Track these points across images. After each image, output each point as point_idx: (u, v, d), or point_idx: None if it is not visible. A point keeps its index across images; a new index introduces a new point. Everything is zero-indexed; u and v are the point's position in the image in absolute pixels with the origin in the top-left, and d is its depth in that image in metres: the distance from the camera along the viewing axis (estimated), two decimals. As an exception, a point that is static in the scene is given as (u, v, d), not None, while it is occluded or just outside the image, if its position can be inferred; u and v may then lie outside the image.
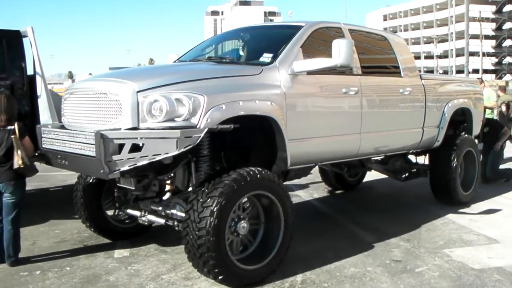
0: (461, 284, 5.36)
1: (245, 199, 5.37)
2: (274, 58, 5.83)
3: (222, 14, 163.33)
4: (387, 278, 5.51)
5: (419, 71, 8.31)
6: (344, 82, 6.41)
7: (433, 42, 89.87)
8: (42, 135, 5.77)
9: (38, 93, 8.13)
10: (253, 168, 5.19)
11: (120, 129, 4.90)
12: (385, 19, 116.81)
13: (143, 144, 4.77)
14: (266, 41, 6.75)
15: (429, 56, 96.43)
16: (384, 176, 9.47)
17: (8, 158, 5.75)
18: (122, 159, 4.80)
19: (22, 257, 6.08)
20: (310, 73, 5.90)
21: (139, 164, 4.80)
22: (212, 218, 4.81)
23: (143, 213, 6.05)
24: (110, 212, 6.80)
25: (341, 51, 5.53)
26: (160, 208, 5.93)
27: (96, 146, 4.76)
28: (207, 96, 4.90)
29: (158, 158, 4.80)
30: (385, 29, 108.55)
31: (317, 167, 9.11)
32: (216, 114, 4.95)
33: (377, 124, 6.92)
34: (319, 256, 6.16)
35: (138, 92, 4.91)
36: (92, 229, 6.79)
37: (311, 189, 10.34)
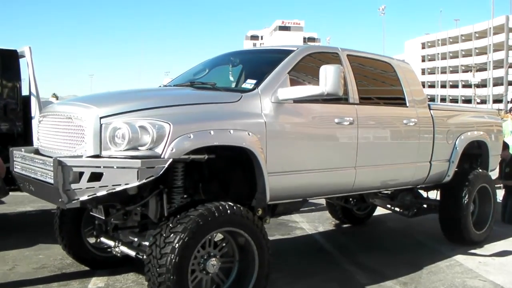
0: None
1: (219, 235, 5.02)
2: (257, 85, 5.46)
3: (261, 38, 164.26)
4: (371, 328, 4.99)
5: (445, 100, 7.84)
6: (338, 112, 5.99)
7: (471, 71, 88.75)
8: (14, 159, 5.51)
9: (32, 114, 7.94)
10: (223, 203, 4.80)
11: (82, 156, 4.59)
12: (423, 47, 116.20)
13: (103, 174, 4.41)
14: (254, 67, 6.41)
15: (467, 85, 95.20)
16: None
17: None
18: (81, 188, 4.48)
19: (-6, 284, 5.77)
20: (297, 101, 5.50)
21: (98, 194, 4.47)
22: (173, 255, 4.44)
23: (116, 243, 5.69)
24: (92, 240, 6.47)
25: (329, 78, 5.15)
26: (136, 239, 5.58)
27: (54, 174, 4.46)
28: (173, 125, 4.54)
29: (118, 188, 4.46)
30: (423, 57, 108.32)
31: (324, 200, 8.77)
32: (183, 144, 4.59)
33: (376, 157, 6.47)
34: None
35: (101, 117, 4.60)
36: (71, 256, 6.50)
37: (317, 222, 9.88)
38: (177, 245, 4.45)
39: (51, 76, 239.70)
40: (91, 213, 5.76)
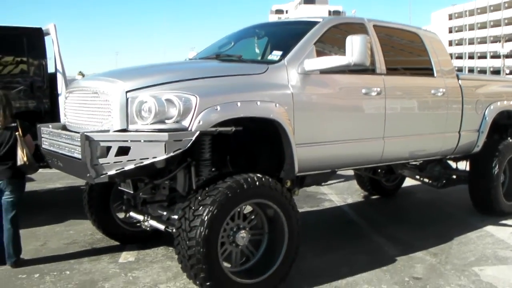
0: (484, 310, 4.75)
1: (248, 208, 5.03)
2: (283, 56, 5.40)
3: (286, 12, 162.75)
4: (401, 298, 4.97)
5: (474, 71, 7.68)
6: (365, 82, 5.92)
7: (500, 41, 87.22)
8: (42, 135, 5.55)
9: (59, 92, 7.98)
10: (251, 175, 4.78)
11: (109, 130, 4.60)
12: (450, 18, 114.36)
13: (130, 148, 4.42)
14: (279, 38, 6.33)
15: (495, 56, 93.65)
16: (427, 180, 8.86)
17: (11, 156, 5.60)
18: (108, 163, 4.49)
19: (28, 259, 5.92)
20: (323, 72, 5.44)
21: (126, 168, 4.48)
22: (202, 227, 4.43)
23: (145, 217, 5.72)
24: (121, 215, 6.52)
25: (355, 48, 5.07)
26: (165, 213, 5.60)
27: (82, 149, 4.47)
28: (200, 97, 4.52)
29: (146, 162, 4.46)
30: (450, 28, 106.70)
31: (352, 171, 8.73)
32: (210, 116, 4.56)
33: (403, 128, 6.40)
34: (333, 270, 5.69)
35: (127, 91, 4.59)
36: (101, 232, 6.57)
37: (346, 194, 9.87)
38: (206, 217, 4.45)
39: (77, 54, 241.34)
40: (119, 187, 5.81)
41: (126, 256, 6.16)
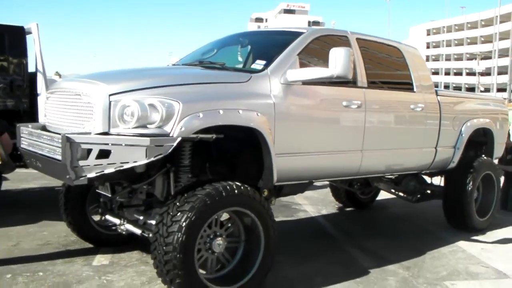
0: (455, 325, 4.81)
1: (226, 215, 5.05)
2: (266, 66, 5.44)
3: (266, 21, 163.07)
4: (373, 311, 5.01)
5: (448, 87, 7.78)
6: (346, 95, 5.97)
7: (475, 59, 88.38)
8: (21, 135, 5.51)
9: (39, 91, 7.94)
10: (230, 183, 4.80)
11: (90, 133, 4.59)
12: (428, 34, 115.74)
13: (111, 151, 4.41)
14: (263, 47, 6.37)
15: (471, 73, 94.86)
16: (401, 194, 8.94)
17: None
18: (89, 165, 4.48)
19: (0, 259, 5.87)
20: (305, 83, 5.49)
21: (106, 171, 4.48)
22: (180, 233, 4.44)
23: (122, 221, 5.70)
24: (96, 218, 6.49)
25: (338, 60, 5.12)
26: (141, 218, 5.59)
27: (62, 150, 4.45)
28: (183, 103, 4.54)
29: (126, 166, 4.46)
30: (428, 44, 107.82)
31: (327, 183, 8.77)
32: (192, 123, 4.58)
33: (382, 142, 6.47)
34: (307, 280, 5.73)
35: (110, 95, 4.59)
36: (76, 234, 6.53)
37: (321, 205, 9.92)
38: (184, 223, 4.46)
39: (53, 54, 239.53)
40: (97, 190, 5.78)
41: (100, 259, 6.12)
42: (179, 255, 4.45)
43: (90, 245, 6.56)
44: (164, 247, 4.49)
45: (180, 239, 4.44)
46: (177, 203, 4.59)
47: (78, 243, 6.63)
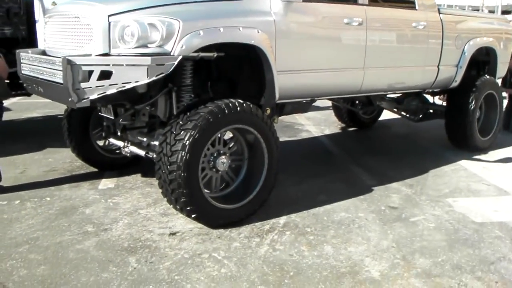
0: (456, 238, 4.89)
1: (228, 133, 5.10)
2: (266, -18, 5.34)
3: None
4: (377, 226, 5.12)
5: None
6: (347, 12, 5.91)
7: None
8: (21, 61, 5.49)
9: (36, 18, 7.84)
10: (233, 100, 4.81)
11: (90, 55, 4.58)
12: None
13: (112, 72, 4.42)
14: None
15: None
16: (404, 114, 8.97)
17: None
18: (90, 87, 4.49)
19: (7, 186, 5.93)
20: (306, 0, 5.43)
21: (108, 92, 4.49)
22: (183, 152, 4.48)
23: (126, 143, 5.75)
24: (101, 143, 6.58)
25: (337, -24, 5.05)
26: (145, 140, 5.65)
27: (64, 73, 4.45)
28: (183, 21, 4.51)
29: (128, 86, 4.47)
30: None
31: (330, 102, 8.79)
32: (193, 41, 4.56)
33: (384, 60, 6.44)
34: (310, 198, 5.81)
35: (109, 15, 4.56)
36: (80, 159, 6.60)
37: (323, 125, 9.99)
38: (187, 142, 4.49)
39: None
40: (99, 113, 5.82)
41: (106, 183, 6.21)
42: (184, 174, 4.50)
43: (95, 170, 6.64)
44: (168, 166, 4.54)
45: (184, 157, 4.49)
46: (180, 122, 4.61)
47: (83, 168, 6.71)
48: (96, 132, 6.48)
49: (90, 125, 6.44)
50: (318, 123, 10.09)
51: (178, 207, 4.71)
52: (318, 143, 8.74)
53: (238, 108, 4.80)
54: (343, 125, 9.97)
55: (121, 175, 6.47)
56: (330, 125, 10.02)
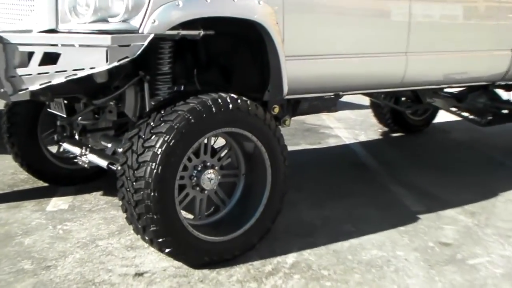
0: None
1: (220, 141, 5.05)
2: None
3: None
4: (421, 270, 4.99)
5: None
6: (383, -24, 5.85)
7: None
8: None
9: None
10: (223, 95, 4.72)
11: (31, 31, 4.54)
12: None
13: (60, 54, 4.37)
14: None
15: None
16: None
17: None
18: (30, 74, 4.43)
19: None
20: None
21: (54, 82, 4.42)
22: (154, 164, 4.35)
23: (83, 150, 5.72)
24: (54, 149, 6.63)
25: None
26: (110, 145, 5.63)
27: None
28: (155, -13, 4.44)
29: (81, 74, 4.37)
30: None
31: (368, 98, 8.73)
32: (169, 15, 4.47)
33: (435, 41, 6.36)
34: (332, 229, 5.74)
35: None
36: (25, 169, 6.61)
37: (358, 128, 9.99)
38: (159, 150, 4.36)
39: None
40: (48, 110, 5.80)
41: (57, 203, 6.19)
42: (154, 193, 4.37)
43: (46, 185, 6.66)
44: (133, 183, 4.42)
45: (155, 171, 4.35)
46: (151, 123, 4.50)
47: (28, 182, 6.73)
48: (47, 135, 6.48)
49: (39, 124, 6.44)
50: (352, 126, 10.04)
51: (147, 238, 4.61)
52: (349, 152, 8.70)
53: (231, 106, 4.69)
54: (385, 129, 9.93)
55: (79, 193, 6.46)
56: (367, 129, 9.98)
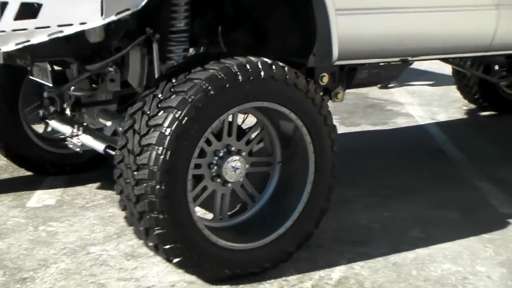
0: None
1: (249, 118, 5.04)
2: None
3: None
4: (503, 288, 4.88)
5: None
6: None
7: None
8: None
9: None
10: (254, 59, 4.63)
11: None
12: None
13: (42, 5, 4.34)
14: None
15: None
16: None
17: None
18: (4, 31, 4.42)
19: None
20: None
21: (34, 41, 4.39)
22: (161, 148, 4.29)
23: (75, 129, 5.69)
24: (41, 128, 6.65)
25: None
26: (109, 123, 5.61)
27: None
28: None
29: (68, 32, 4.34)
30: None
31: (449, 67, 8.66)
32: (184, -47, 4.47)
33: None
34: (393, 234, 5.71)
35: None
36: (4, 154, 6.63)
37: (437, 105, 9.92)
38: (168, 130, 4.29)
39: None
40: (31, 77, 5.78)
41: (42, 197, 6.23)
42: (160, 186, 4.33)
43: (30, 173, 6.71)
44: (134, 172, 4.39)
45: (162, 157, 4.29)
46: (159, 95, 4.46)
47: (7, 171, 6.82)
48: (30, 110, 6.49)
49: (20, 96, 6.45)
50: (428, 102, 9.96)
51: (150, 243, 4.56)
52: (423, 136, 8.65)
53: (262, 73, 4.59)
54: (472, 106, 9.82)
55: (70, 185, 6.50)
56: (448, 106, 9.89)
